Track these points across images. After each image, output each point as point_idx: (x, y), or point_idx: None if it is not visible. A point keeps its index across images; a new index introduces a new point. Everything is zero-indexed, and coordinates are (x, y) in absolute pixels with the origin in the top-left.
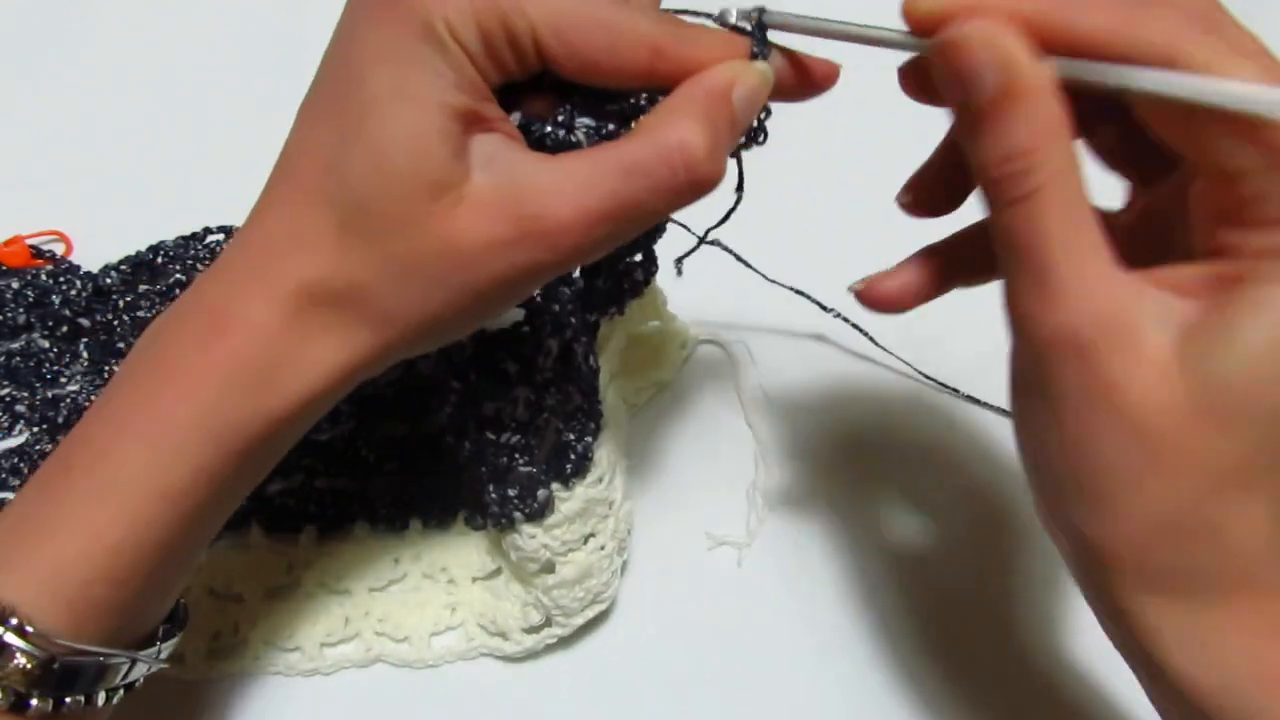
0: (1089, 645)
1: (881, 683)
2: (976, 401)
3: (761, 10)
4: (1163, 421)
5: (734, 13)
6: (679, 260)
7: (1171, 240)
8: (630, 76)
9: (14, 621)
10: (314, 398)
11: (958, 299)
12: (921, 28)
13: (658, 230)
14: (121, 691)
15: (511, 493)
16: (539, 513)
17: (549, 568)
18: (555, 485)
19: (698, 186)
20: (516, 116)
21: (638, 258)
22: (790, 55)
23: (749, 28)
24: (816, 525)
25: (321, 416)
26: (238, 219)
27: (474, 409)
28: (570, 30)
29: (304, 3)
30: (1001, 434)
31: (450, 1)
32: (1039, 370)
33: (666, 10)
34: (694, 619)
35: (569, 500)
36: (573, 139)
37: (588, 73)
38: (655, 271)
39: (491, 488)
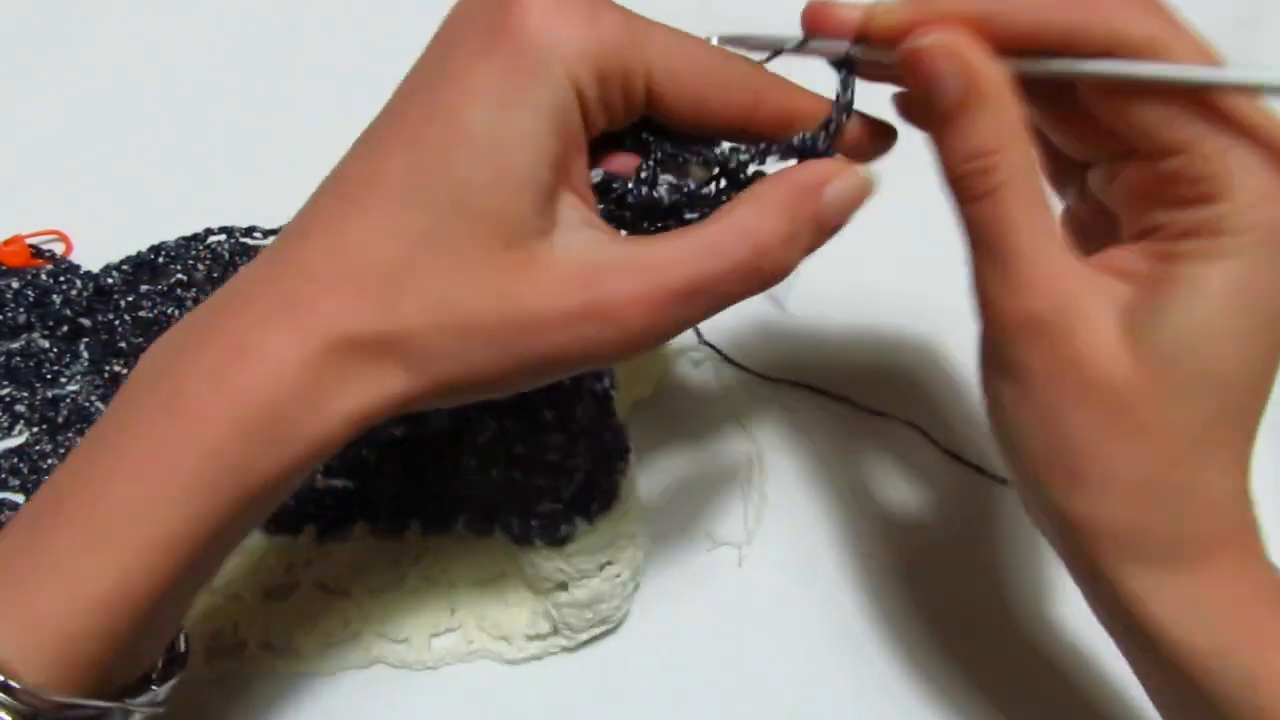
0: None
1: (887, 678)
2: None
3: (847, 55)
4: (1123, 393)
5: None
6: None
7: (1109, 229)
8: (732, 118)
9: None
10: (330, 444)
11: None
12: (885, 41)
13: None
14: None
15: (534, 524)
16: (559, 543)
17: (562, 586)
18: (579, 519)
19: (767, 275)
20: (599, 173)
21: None
22: (867, 121)
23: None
24: (816, 522)
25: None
26: (238, 219)
27: (505, 447)
28: (682, 70)
29: (304, 3)
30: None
31: (573, 43)
32: (1007, 352)
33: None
34: (696, 620)
35: (591, 534)
36: (655, 194)
37: (694, 112)
38: None
39: (514, 516)
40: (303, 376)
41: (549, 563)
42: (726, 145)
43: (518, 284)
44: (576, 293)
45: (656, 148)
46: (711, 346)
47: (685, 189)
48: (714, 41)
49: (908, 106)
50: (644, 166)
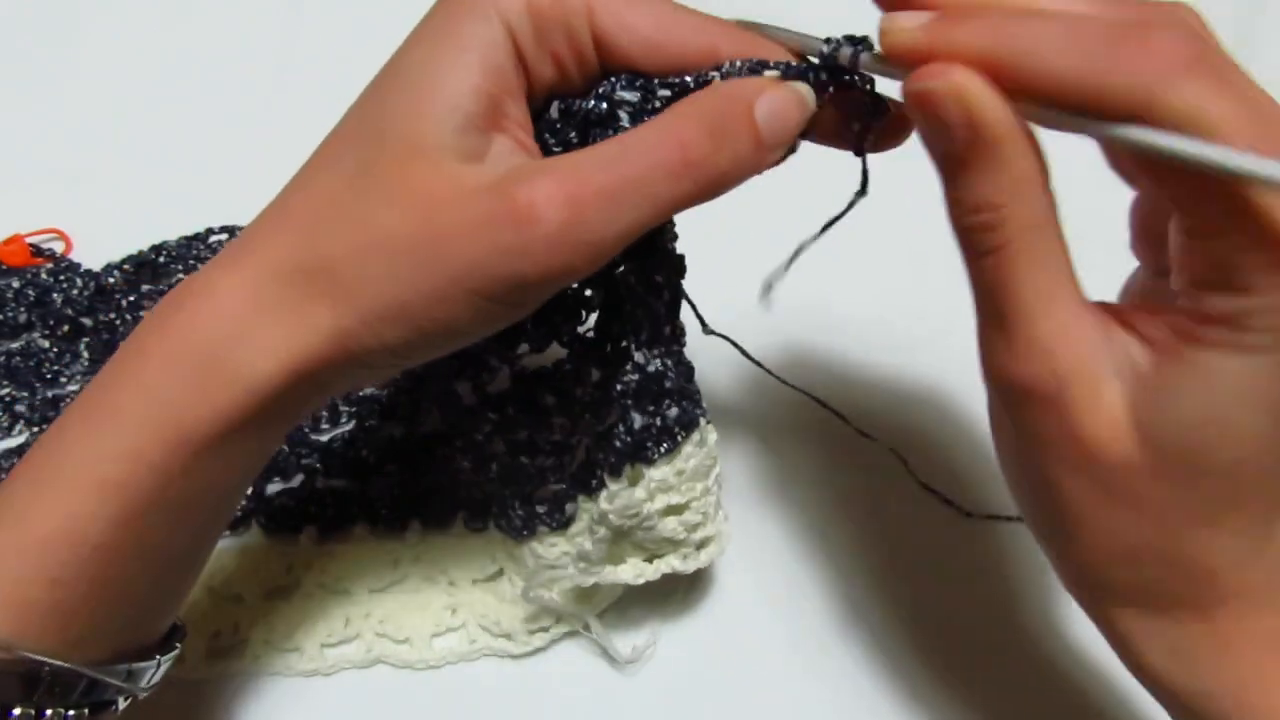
0: (1078, 639)
1: (878, 682)
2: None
3: (839, 45)
4: (1120, 471)
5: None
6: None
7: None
8: (686, 58)
9: None
10: (265, 391)
11: None
12: (898, 61)
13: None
14: (87, 711)
15: (540, 509)
16: (565, 525)
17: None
18: (581, 497)
19: (697, 175)
20: (555, 104)
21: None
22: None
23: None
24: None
25: (282, 428)
26: (239, 219)
27: (507, 436)
28: (632, 18)
29: (304, 2)
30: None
31: None
32: (1009, 415)
33: None
34: (695, 616)
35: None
36: (618, 113)
37: (645, 51)
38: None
39: (518, 504)
40: (232, 312)
41: (553, 549)
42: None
43: (437, 201)
44: (490, 200)
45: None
46: (718, 334)
47: (648, 107)
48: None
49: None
50: (604, 82)
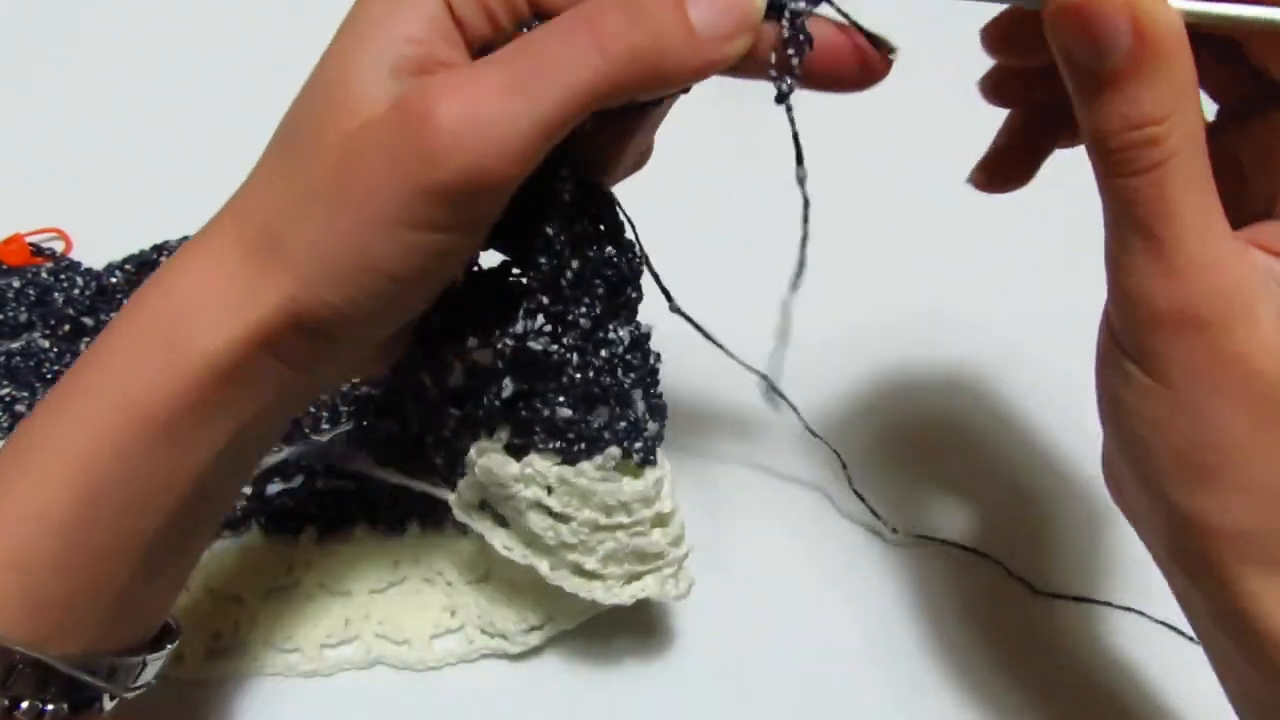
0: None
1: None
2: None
3: None
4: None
5: None
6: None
7: (1240, 189)
8: None
9: None
10: (222, 366)
11: None
12: None
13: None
14: (66, 707)
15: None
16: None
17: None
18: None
19: (611, 52)
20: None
21: None
22: (848, 33)
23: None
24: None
25: (250, 409)
26: None
27: (471, 430)
28: None
29: (304, 2)
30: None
31: None
32: (1148, 342)
33: None
34: (695, 615)
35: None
36: None
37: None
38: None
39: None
40: (190, 289)
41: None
42: None
43: (350, 139)
44: (387, 117)
45: None
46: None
47: None
48: None
49: (1005, 41)
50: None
